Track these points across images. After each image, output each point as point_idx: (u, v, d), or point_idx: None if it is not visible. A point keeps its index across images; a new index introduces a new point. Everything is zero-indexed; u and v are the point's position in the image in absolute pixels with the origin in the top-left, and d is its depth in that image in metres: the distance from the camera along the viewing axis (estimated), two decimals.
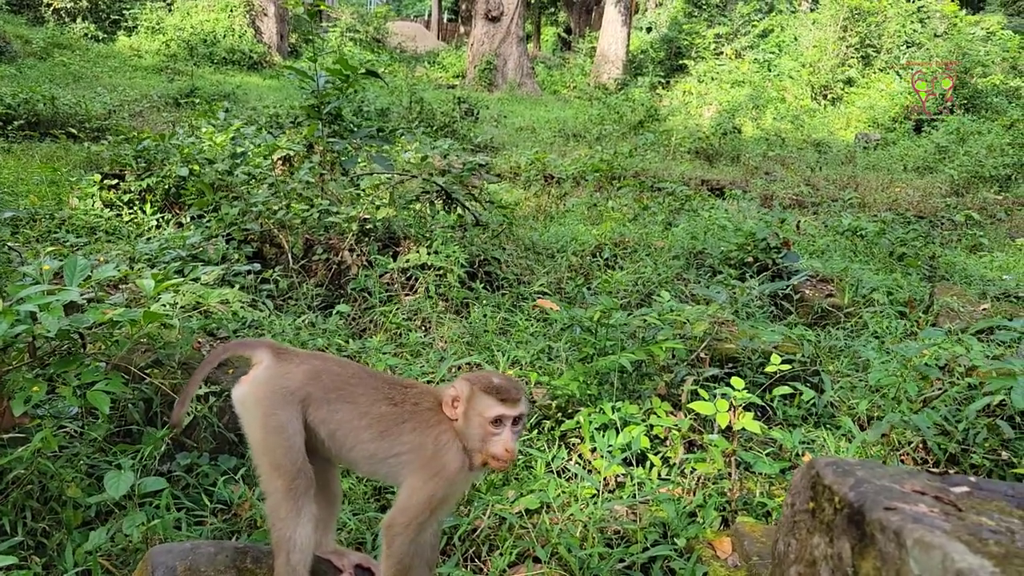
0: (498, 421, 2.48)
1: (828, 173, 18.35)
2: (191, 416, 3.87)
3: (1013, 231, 13.89)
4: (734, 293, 6.13)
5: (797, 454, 4.64)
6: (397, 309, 6.27)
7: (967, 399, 5.02)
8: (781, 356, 5.37)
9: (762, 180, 17.62)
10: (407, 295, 6.72)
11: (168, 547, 2.60)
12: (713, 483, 4.00)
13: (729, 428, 4.04)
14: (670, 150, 19.78)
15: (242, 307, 4.87)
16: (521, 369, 4.95)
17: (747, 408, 4.10)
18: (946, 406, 4.88)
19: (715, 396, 4.18)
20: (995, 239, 12.88)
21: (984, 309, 7.68)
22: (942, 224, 13.46)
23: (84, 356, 3.86)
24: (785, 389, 4.32)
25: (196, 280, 4.52)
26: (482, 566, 3.60)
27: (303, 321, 5.39)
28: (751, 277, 7.16)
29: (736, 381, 4.01)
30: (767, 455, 4.48)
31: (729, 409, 3.94)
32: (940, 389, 5.17)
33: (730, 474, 3.99)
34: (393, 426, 2.50)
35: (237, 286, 5.37)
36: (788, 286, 6.58)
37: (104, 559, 3.48)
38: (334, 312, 5.96)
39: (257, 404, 2.54)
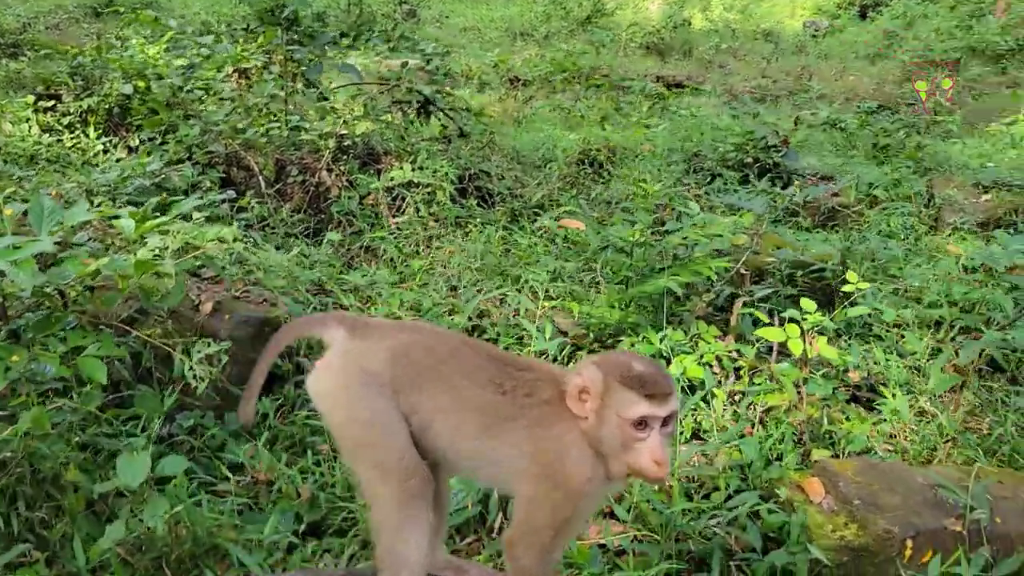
0: (643, 423, 1.94)
1: (782, 64, 17.94)
2: (203, 380, 3.36)
3: (972, 115, 13.75)
4: (774, 201, 5.73)
5: (845, 370, 4.35)
6: (391, 234, 5.74)
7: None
8: (814, 262, 5.05)
9: (718, 73, 17.17)
10: (395, 217, 6.17)
11: None
12: (781, 417, 3.67)
13: (796, 355, 3.69)
14: (620, 45, 19.06)
15: (245, 247, 4.30)
16: (547, 298, 4.51)
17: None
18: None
19: (771, 315, 3.82)
20: (959, 125, 12.73)
21: (986, 200, 7.47)
22: (901, 113, 13.23)
23: (67, 316, 3.29)
24: (862, 309, 3.97)
25: (183, 218, 3.93)
26: None
27: (294, 254, 4.84)
28: (756, 179, 6.78)
29: (807, 303, 3.65)
30: (821, 375, 4.18)
31: (801, 335, 3.58)
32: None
33: (798, 405, 3.67)
34: (501, 421, 1.99)
35: (224, 223, 4.76)
36: (825, 191, 6.20)
37: (119, 548, 3.02)
38: (324, 241, 5.41)
39: (338, 395, 2.06)
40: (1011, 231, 6.48)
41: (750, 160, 7.17)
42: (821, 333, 3.77)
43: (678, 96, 12.02)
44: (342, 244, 5.72)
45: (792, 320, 3.66)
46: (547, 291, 4.60)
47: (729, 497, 3.20)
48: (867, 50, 19.70)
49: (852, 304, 3.93)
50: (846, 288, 3.95)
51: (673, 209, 5.13)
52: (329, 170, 6.36)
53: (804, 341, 3.57)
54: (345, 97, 7.02)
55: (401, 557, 1.95)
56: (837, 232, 6.48)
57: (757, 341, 3.93)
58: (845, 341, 4.68)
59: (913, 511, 2.98)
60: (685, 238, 4.27)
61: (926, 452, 3.80)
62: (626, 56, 18.49)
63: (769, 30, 22.04)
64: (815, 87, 14.03)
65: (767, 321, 3.78)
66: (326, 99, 7.13)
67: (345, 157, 6.44)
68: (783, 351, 3.82)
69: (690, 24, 21.15)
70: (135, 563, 2.98)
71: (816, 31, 22.20)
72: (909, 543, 2.87)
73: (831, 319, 3.75)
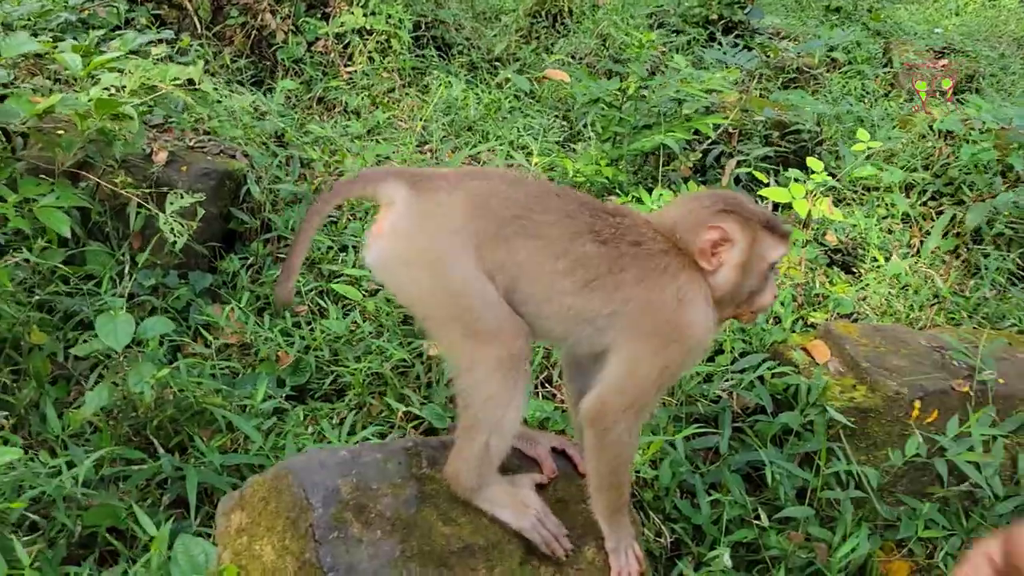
0: (774, 264, 1.92)
1: None
2: (181, 235, 3.05)
3: None
4: (767, 55, 5.50)
5: (823, 233, 4.32)
6: (347, 83, 5.33)
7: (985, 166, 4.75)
8: (792, 123, 4.92)
9: None
10: (347, 66, 5.74)
11: (313, 458, 1.88)
12: (782, 278, 3.61)
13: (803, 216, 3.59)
14: None
15: (215, 88, 3.86)
16: (533, 155, 4.26)
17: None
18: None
19: (769, 174, 3.70)
20: None
21: (944, 65, 7.43)
22: None
23: (15, 162, 2.90)
24: (870, 170, 3.87)
25: (136, 54, 3.47)
26: (555, 391, 3.14)
27: (248, 102, 4.42)
28: (723, 36, 6.53)
29: (813, 162, 3.52)
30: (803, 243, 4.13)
31: (805, 195, 3.47)
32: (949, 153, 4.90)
33: (798, 267, 3.61)
34: (607, 274, 1.79)
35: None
36: (806, 50, 5.98)
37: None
38: (277, 90, 4.98)
39: (416, 263, 1.80)
40: (960, 99, 6.48)
41: (715, 17, 6.89)
42: (824, 195, 3.67)
43: None
44: (293, 94, 5.29)
45: (796, 180, 3.54)
46: (524, 148, 4.36)
47: (735, 360, 3.14)
48: None
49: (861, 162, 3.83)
50: (856, 148, 3.84)
51: (622, 61, 4.87)
52: (273, 12, 5.82)
53: (809, 201, 3.47)
54: None
55: (497, 423, 1.76)
56: (803, 93, 6.36)
57: (760, 201, 3.81)
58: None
59: (921, 372, 2.98)
60: (678, 91, 4.05)
61: (912, 315, 3.83)
62: None
63: None
64: None
65: (766, 181, 3.65)
66: None
67: None
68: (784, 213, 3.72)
69: None
70: (113, 430, 2.75)
71: None
72: (917, 403, 2.88)
73: (838, 180, 3.64)
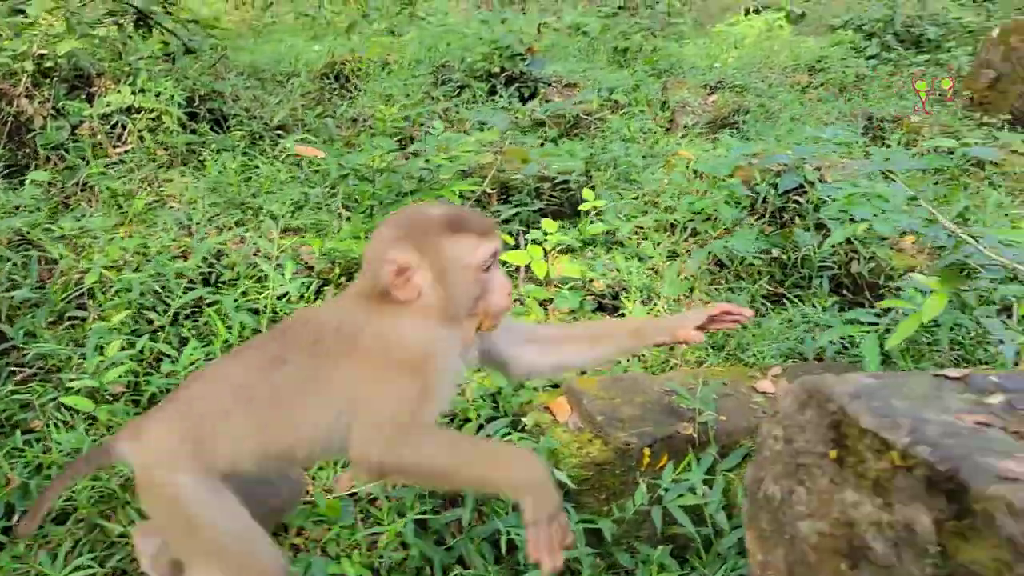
0: (486, 264, 1.87)
1: None
2: None
3: (701, 16, 14.53)
4: (516, 118, 5.69)
5: (590, 280, 4.51)
6: (111, 167, 5.16)
7: (736, 200, 5.10)
8: (556, 175, 5.13)
9: None
10: (116, 147, 5.56)
11: None
12: None
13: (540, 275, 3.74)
14: None
15: None
16: (288, 232, 4.25)
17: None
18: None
19: (516, 236, 3.83)
20: (690, 26, 13.37)
21: (713, 101, 7.94)
22: (639, 15, 13.68)
23: None
24: (601, 227, 4.07)
25: None
26: None
27: None
28: (502, 88, 6.74)
29: (549, 224, 3.67)
30: (568, 289, 4.30)
31: (544, 256, 3.62)
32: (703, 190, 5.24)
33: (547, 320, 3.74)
34: (308, 384, 1.79)
35: None
36: (561, 105, 6.24)
37: None
38: (27, 182, 4.76)
39: (171, 523, 1.81)
40: (734, 131, 6.95)
41: (497, 70, 7.11)
42: (567, 251, 3.83)
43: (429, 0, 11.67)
44: (52, 184, 5.07)
45: (536, 241, 3.68)
46: (288, 224, 4.34)
47: (481, 427, 3.22)
48: None
49: (593, 219, 4.02)
50: (584, 206, 4.04)
51: (423, 125, 4.98)
52: (30, 96, 5.58)
53: (547, 261, 3.61)
54: (44, 8, 6.12)
55: None
56: (582, 140, 6.64)
57: (503, 264, 3.94)
58: (592, 250, 4.85)
59: (651, 420, 3.14)
60: (427, 161, 4.15)
61: (663, 355, 4.03)
62: None
63: None
64: None
65: (512, 243, 3.79)
66: (20, 12, 6.19)
67: (48, 81, 5.67)
68: (529, 272, 3.86)
69: None
70: None
71: None
72: (647, 451, 3.03)
73: (574, 235, 3.82)
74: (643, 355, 3.86)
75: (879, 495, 1.31)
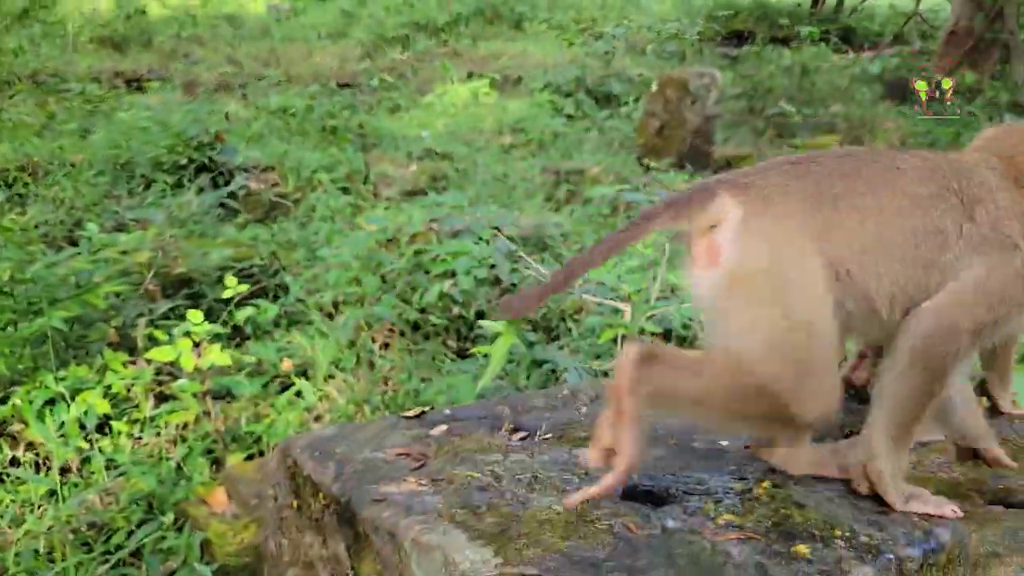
0: None
1: (248, 49, 17.92)
2: None
3: (421, 87, 15.11)
4: (172, 211, 5.59)
5: (275, 364, 4.52)
6: None
7: (417, 265, 5.31)
8: (239, 263, 5.11)
9: (182, 64, 16.57)
10: None
11: None
12: (194, 428, 3.66)
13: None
14: (68, 41, 17.39)
15: None
16: None
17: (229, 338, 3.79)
18: (402, 277, 5.11)
19: (172, 334, 3.77)
20: (408, 98, 13.87)
21: (413, 170, 8.26)
22: (362, 90, 14.04)
23: None
24: (249, 311, 4.08)
25: None
26: None
27: None
28: (189, 181, 6.64)
29: (193, 314, 3.64)
30: (246, 374, 4.27)
31: (194, 348, 3.58)
32: (393, 261, 5.42)
33: (208, 413, 3.69)
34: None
35: None
36: (229, 192, 6.23)
37: None
38: None
39: (754, 299, 1.57)
40: (427, 198, 7.27)
41: (185, 161, 7.00)
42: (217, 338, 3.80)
43: (123, 97, 11.30)
44: None
45: (186, 333, 3.64)
46: None
47: (131, 533, 3.10)
48: (328, 30, 20.53)
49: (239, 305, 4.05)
50: (225, 294, 4.06)
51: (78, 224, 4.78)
52: None
53: (197, 353, 3.58)
54: None
55: None
56: (278, 223, 6.66)
57: (149, 362, 3.85)
58: (285, 328, 4.89)
59: None
60: (77, 265, 4.00)
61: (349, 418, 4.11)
62: (76, 52, 16.90)
63: (232, 14, 21.82)
64: (274, 73, 14.23)
65: (165, 339, 3.72)
66: None
67: None
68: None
69: (145, 13, 19.99)
70: None
71: (279, 13, 22.56)
72: None
73: (223, 323, 3.81)
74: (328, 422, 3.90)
75: (320, 533, 1.43)
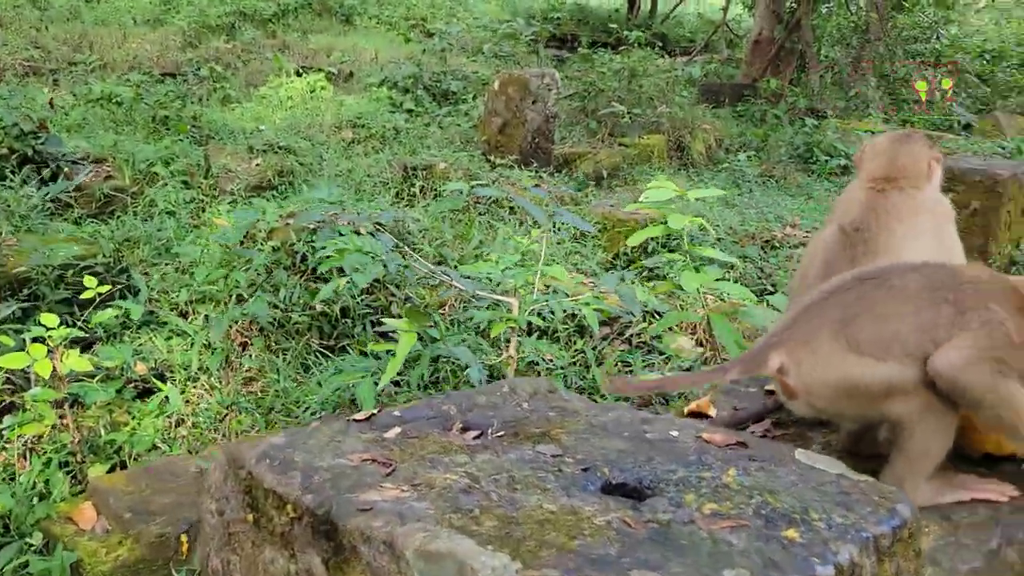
0: None
1: (56, 32, 16.58)
2: None
3: (251, 78, 14.54)
4: (8, 205, 5.13)
5: (127, 365, 4.27)
6: None
7: (276, 262, 5.16)
8: (83, 261, 4.78)
9: None
10: None
11: None
12: (51, 441, 3.40)
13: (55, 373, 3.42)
14: None
15: None
16: None
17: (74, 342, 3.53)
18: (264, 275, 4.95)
19: (23, 338, 3.48)
20: (240, 89, 13.32)
21: (257, 164, 7.98)
22: (188, 80, 13.33)
23: None
24: (109, 312, 3.83)
25: None
26: None
27: None
28: (13, 173, 6.11)
29: (47, 318, 3.37)
30: (98, 381, 4.01)
31: (49, 353, 3.32)
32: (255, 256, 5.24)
33: (65, 422, 3.44)
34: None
35: None
36: (70, 186, 5.78)
37: None
38: None
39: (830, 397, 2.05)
40: (274, 193, 7.08)
41: (6, 151, 6.42)
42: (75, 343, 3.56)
43: None
44: None
45: (37, 339, 3.37)
46: None
47: None
48: (145, 15, 19.32)
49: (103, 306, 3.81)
50: (86, 295, 3.80)
51: None
52: None
53: (53, 359, 3.32)
54: None
55: None
56: (117, 218, 6.27)
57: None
58: (134, 329, 4.62)
59: (188, 503, 3.04)
60: None
61: (211, 428, 3.94)
62: None
63: None
64: (87, 59, 13.29)
65: (12, 344, 3.43)
66: None
67: None
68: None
69: None
70: None
71: None
72: (183, 539, 2.92)
73: (83, 327, 3.57)
74: (184, 432, 3.73)
75: (286, 548, 1.41)
